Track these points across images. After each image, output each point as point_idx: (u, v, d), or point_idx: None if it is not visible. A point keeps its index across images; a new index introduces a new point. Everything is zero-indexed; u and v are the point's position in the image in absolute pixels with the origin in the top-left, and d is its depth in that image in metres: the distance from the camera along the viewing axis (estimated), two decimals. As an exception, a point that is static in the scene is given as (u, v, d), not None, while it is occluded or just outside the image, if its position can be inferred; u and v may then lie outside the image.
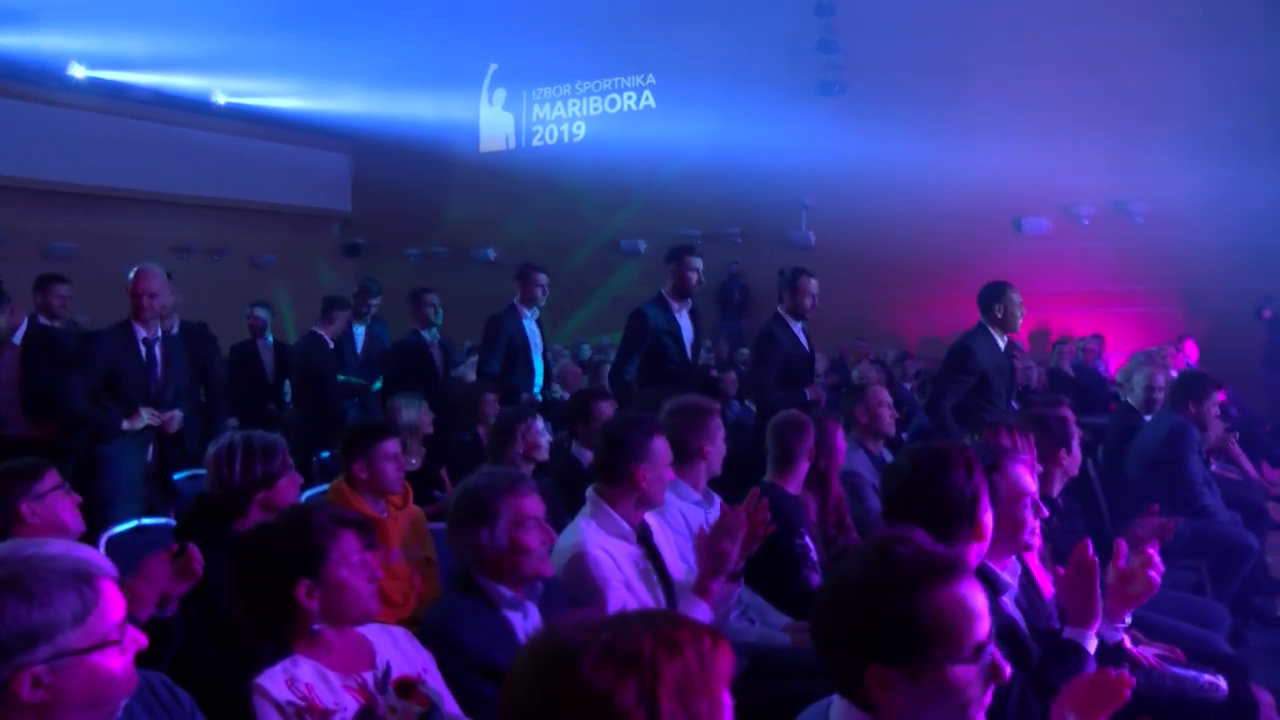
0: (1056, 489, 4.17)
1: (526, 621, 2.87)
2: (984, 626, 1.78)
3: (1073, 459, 4.24)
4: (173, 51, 16.71)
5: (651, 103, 17.80)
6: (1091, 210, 14.54)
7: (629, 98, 18.05)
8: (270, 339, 9.16)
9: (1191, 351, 11.98)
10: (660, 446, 3.49)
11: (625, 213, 17.24)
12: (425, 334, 8.22)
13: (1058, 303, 14.14)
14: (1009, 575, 2.83)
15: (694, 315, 6.93)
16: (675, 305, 6.77)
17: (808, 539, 4.18)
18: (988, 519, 2.64)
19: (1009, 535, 2.82)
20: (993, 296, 6.31)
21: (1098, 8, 13.98)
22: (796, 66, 15.85)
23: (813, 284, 6.81)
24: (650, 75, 17.79)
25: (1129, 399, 6.80)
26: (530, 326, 7.58)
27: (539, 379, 7.60)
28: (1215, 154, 13.34)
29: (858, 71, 15.55)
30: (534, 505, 2.91)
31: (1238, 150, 13.26)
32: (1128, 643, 3.51)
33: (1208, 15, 13.58)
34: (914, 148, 14.48)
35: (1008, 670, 1.78)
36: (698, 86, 16.59)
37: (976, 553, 2.63)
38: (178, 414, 5.61)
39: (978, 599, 1.80)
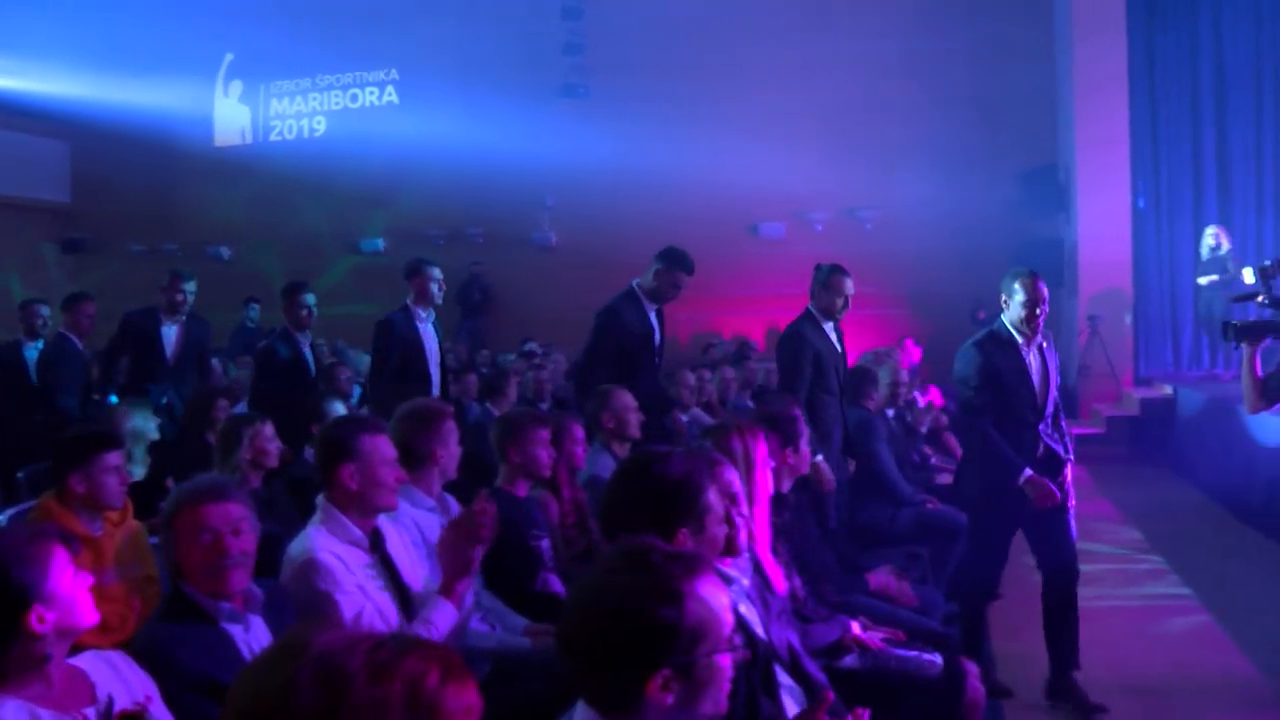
0: (787, 486, 4.29)
1: (249, 635, 2.75)
2: (730, 613, 1.90)
3: (801, 457, 4.38)
4: None
5: (394, 99, 17.45)
6: (825, 216, 15.26)
7: (371, 93, 17.63)
8: (41, 342, 8.16)
9: (914, 350, 12.69)
10: (371, 445, 3.32)
11: (365, 211, 16.86)
12: (299, 335, 7.54)
13: (793, 305, 14.66)
14: (739, 571, 2.90)
15: (659, 315, 6.57)
16: (649, 305, 6.46)
17: (544, 541, 4.16)
18: (717, 526, 2.67)
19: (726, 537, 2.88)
20: (1002, 283, 5.09)
21: (829, 21, 14.77)
22: (541, 67, 15.92)
23: (848, 283, 6.37)
24: (393, 71, 17.45)
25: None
26: (427, 330, 7.11)
27: (435, 391, 7.04)
28: (933, 164, 14.35)
29: (602, 75, 15.76)
30: (237, 509, 2.80)
31: (952, 161, 14.30)
32: (858, 630, 3.70)
33: (924, 33, 14.59)
34: (655, 151, 14.77)
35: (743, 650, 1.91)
36: (441, 84, 16.40)
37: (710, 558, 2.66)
38: None
39: (720, 590, 1.91)
